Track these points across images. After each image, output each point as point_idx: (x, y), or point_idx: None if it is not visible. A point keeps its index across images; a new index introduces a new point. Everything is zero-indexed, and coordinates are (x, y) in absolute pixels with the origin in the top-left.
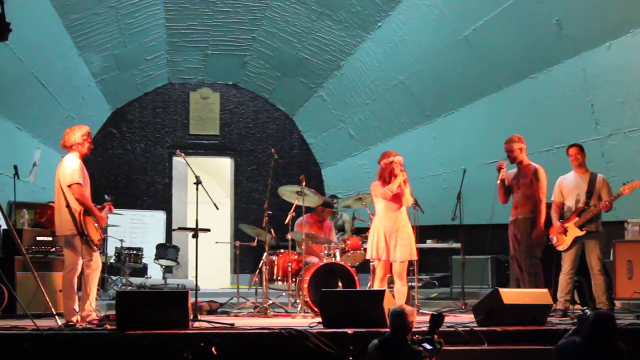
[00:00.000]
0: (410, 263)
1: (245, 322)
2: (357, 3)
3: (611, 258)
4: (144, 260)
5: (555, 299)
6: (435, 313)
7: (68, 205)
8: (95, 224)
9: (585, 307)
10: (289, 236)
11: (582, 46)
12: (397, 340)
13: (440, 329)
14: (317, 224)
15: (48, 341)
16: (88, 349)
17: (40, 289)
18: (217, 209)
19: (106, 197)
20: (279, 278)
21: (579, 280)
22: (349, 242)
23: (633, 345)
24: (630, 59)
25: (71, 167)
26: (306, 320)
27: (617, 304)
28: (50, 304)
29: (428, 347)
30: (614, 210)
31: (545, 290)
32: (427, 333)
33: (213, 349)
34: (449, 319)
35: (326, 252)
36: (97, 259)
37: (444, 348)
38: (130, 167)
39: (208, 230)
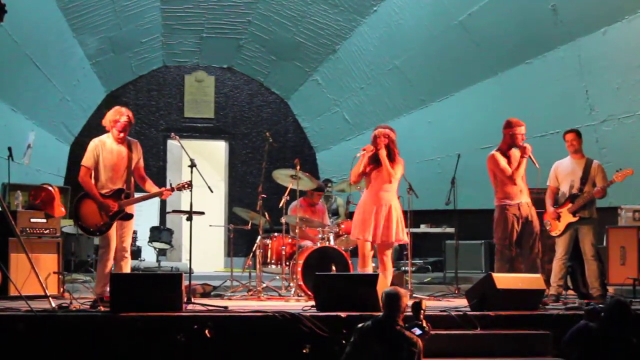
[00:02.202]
0: (404, 247)
1: (239, 305)
2: None
3: (604, 244)
4: (137, 243)
5: (548, 284)
6: (415, 301)
7: None
8: (101, 209)
9: (591, 303)
10: (283, 220)
11: (578, 32)
12: (390, 323)
13: (434, 313)
14: (310, 207)
15: (42, 323)
16: (82, 330)
17: (34, 270)
18: (212, 192)
19: (169, 181)
20: (272, 261)
21: (572, 265)
22: (342, 226)
23: None
24: (625, 45)
25: (87, 148)
26: (299, 304)
27: (610, 289)
28: (44, 285)
29: (418, 331)
30: (607, 196)
31: (538, 275)
32: (414, 319)
33: (206, 331)
34: (443, 304)
35: (320, 235)
36: (106, 243)
37: (438, 332)
38: None
39: (202, 213)
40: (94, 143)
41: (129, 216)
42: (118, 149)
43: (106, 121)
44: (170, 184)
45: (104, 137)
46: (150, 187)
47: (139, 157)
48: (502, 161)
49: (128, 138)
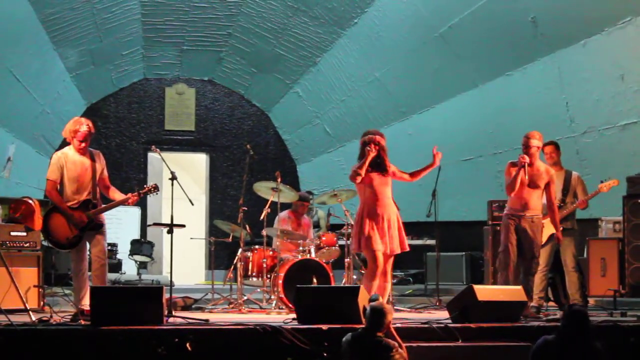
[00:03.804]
0: None
1: (220, 318)
2: None
3: (585, 255)
4: (118, 256)
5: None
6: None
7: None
8: (71, 222)
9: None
10: (263, 232)
11: (558, 44)
12: (370, 336)
13: (415, 326)
14: (297, 220)
15: (22, 336)
16: (62, 344)
17: (14, 284)
18: (192, 204)
19: (136, 188)
20: (253, 274)
21: (552, 277)
22: (324, 238)
23: (606, 342)
24: (605, 56)
25: (51, 162)
26: (281, 317)
27: (591, 301)
28: (24, 299)
29: None
30: (588, 208)
31: (519, 287)
32: None
33: (187, 344)
34: (424, 316)
35: (301, 248)
36: (76, 256)
37: (419, 344)
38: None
39: (183, 226)
40: (56, 156)
41: (99, 226)
42: (81, 160)
43: (66, 132)
44: (137, 189)
45: (65, 149)
46: (115, 194)
47: (102, 167)
48: (509, 170)
49: (90, 149)
